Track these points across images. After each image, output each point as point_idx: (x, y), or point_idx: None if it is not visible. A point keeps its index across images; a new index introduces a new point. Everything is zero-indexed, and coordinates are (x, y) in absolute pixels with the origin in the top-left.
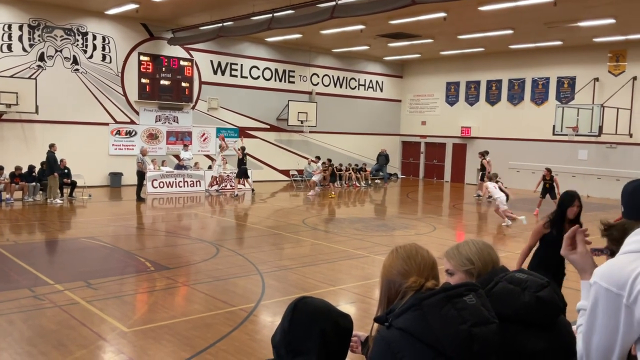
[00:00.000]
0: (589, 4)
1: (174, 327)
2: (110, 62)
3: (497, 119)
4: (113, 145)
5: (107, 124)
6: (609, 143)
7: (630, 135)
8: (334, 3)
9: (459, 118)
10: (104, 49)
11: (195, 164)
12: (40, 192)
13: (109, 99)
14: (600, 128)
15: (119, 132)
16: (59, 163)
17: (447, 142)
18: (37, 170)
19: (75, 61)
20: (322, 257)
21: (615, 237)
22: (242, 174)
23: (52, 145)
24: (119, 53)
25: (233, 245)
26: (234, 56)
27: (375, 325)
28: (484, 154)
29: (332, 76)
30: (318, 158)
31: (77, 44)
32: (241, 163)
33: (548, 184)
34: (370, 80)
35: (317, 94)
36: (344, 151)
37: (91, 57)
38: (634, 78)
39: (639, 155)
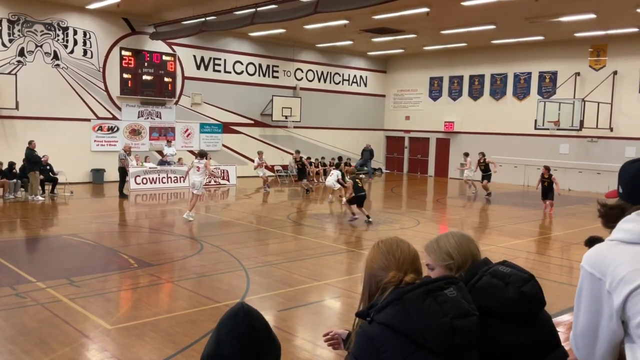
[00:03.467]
0: None
1: (158, 324)
2: (92, 57)
3: (479, 113)
4: (95, 141)
5: (88, 120)
6: (590, 137)
7: (611, 129)
8: None
9: (442, 113)
10: (85, 44)
11: (179, 159)
12: (21, 189)
13: (90, 95)
14: (582, 122)
15: (100, 128)
16: (41, 159)
17: (431, 137)
18: (17, 167)
19: (55, 56)
20: (307, 252)
21: (612, 217)
22: None
23: (30, 142)
24: (100, 48)
25: (217, 241)
26: (217, 51)
27: (358, 320)
28: (483, 154)
29: (316, 71)
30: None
31: (58, 39)
32: None
33: (547, 183)
34: (354, 75)
35: (301, 89)
36: (329, 146)
37: (72, 52)
38: (615, 72)
39: (619, 149)
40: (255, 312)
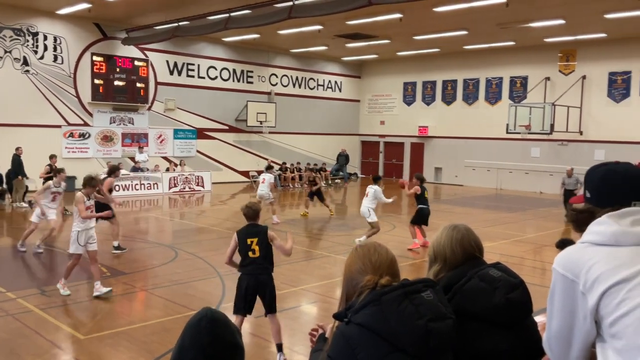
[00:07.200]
0: (540, 5)
1: (132, 333)
2: (62, 62)
3: (453, 118)
4: (66, 148)
5: (59, 127)
6: (560, 140)
7: (581, 133)
8: (291, 3)
9: (416, 117)
10: (55, 49)
11: (156, 166)
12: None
13: (61, 101)
14: (552, 126)
15: (72, 135)
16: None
17: (406, 142)
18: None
19: (25, 62)
20: (283, 258)
21: (582, 221)
22: None
23: (17, 149)
24: (71, 53)
25: (192, 248)
26: (190, 56)
27: (336, 322)
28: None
29: (291, 76)
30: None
31: (28, 45)
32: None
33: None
34: (329, 81)
35: (276, 94)
36: (304, 151)
37: (42, 57)
38: (584, 77)
39: (589, 152)
40: (221, 318)
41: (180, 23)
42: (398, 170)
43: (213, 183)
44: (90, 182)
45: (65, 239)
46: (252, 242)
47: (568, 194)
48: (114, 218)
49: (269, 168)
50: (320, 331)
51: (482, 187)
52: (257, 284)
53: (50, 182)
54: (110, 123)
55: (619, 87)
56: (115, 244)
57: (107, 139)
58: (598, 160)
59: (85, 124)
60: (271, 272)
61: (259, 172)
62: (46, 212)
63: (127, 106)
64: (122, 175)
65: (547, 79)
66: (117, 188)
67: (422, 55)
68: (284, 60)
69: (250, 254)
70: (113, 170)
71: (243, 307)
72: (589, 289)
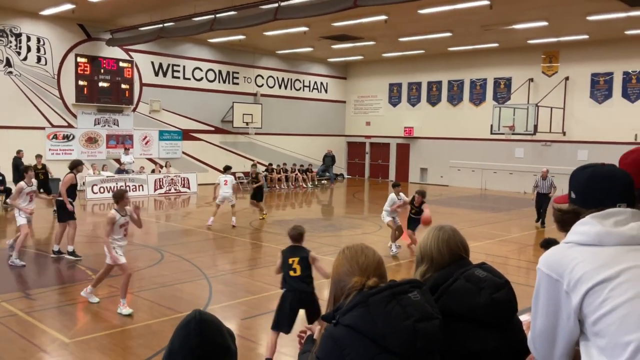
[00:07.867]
0: (523, 7)
1: (118, 336)
2: (46, 64)
3: (438, 119)
4: (50, 150)
5: (43, 128)
6: (543, 141)
7: (564, 133)
8: (277, 5)
9: (401, 118)
10: (39, 50)
11: (141, 168)
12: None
13: (45, 103)
14: (535, 127)
15: (55, 137)
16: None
17: (391, 142)
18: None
19: (8, 63)
20: (270, 259)
21: (567, 221)
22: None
23: (18, 152)
24: (55, 55)
25: (178, 250)
26: (175, 57)
27: (325, 324)
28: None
29: (277, 78)
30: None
31: (10, 46)
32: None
33: (415, 210)
34: (315, 82)
35: (262, 95)
36: (290, 152)
37: (25, 59)
38: (566, 78)
39: (572, 153)
40: (210, 320)
41: (166, 24)
42: (384, 171)
43: (199, 184)
44: (123, 196)
45: (50, 242)
46: (293, 261)
47: (541, 198)
48: (74, 220)
49: (227, 169)
50: (309, 333)
51: (467, 187)
52: (300, 301)
53: (22, 183)
54: (95, 124)
55: (601, 88)
56: (70, 249)
57: (91, 140)
58: (581, 160)
59: (70, 126)
60: (313, 288)
61: (246, 174)
62: (21, 215)
63: (111, 107)
64: (107, 177)
65: (531, 80)
66: (102, 190)
67: (407, 57)
68: (270, 61)
69: (291, 272)
70: (75, 165)
71: (285, 324)
72: (572, 288)
